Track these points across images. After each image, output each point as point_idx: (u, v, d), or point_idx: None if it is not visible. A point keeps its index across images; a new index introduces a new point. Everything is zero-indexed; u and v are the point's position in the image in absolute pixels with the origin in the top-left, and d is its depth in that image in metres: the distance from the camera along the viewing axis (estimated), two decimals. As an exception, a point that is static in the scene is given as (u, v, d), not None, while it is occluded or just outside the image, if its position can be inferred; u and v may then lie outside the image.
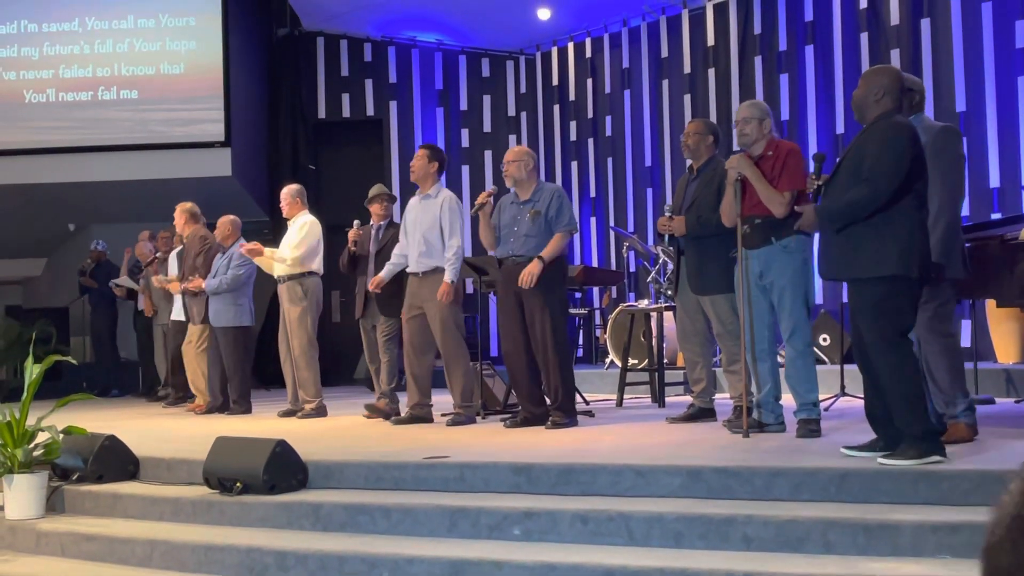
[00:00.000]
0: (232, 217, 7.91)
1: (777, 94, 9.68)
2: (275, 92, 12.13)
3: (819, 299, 9.11)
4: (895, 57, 8.70)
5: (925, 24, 8.70)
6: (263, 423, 6.89)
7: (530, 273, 5.64)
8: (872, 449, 4.02)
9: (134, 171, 11.06)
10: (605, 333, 8.76)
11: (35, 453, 4.95)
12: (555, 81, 11.65)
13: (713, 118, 9.70)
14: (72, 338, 12.26)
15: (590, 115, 11.34)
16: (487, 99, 11.98)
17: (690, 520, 3.64)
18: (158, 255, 9.30)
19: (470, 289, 10.77)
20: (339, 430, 6.27)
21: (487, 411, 6.60)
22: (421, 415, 6.34)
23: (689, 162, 5.86)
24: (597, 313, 10.24)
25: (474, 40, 11.79)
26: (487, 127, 11.96)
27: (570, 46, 11.51)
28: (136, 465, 5.22)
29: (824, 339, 8.38)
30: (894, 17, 8.88)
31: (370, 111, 11.89)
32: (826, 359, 8.26)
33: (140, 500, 4.82)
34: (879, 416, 4.07)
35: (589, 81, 11.34)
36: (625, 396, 7.27)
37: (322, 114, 11.95)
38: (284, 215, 7.56)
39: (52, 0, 11.24)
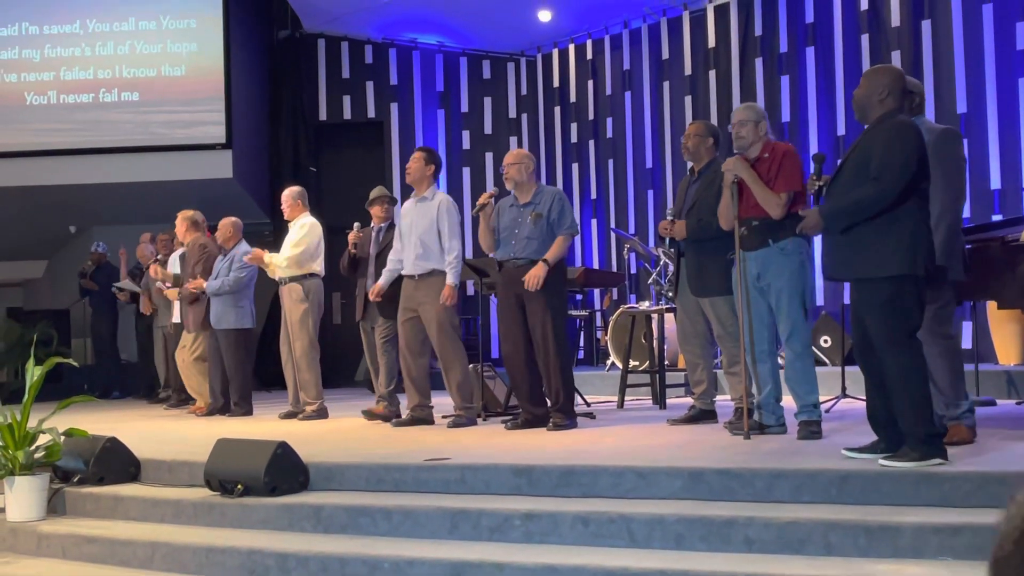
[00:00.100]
0: (233, 219, 7.92)
1: (778, 96, 9.69)
2: (276, 94, 12.14)
3: (820, 300, 9.12)
4: (896, 59, 8.70)
5: (926, 26, 8.70)
6: (264, 425, 6.89)
7: (536, 276, 5.65)
8: (873, 451, 4.02)
9: (135, 173, 11.07)
10: (606, 335, 8.76)
11: (36, 455, 4.96)
12: (556, 83, 11.66)
13: (714, 120, 9.71)
14: (73, 340, 12.27)
15: (591, 117, 11.34)
16: (488, 101, 11.99)
17: (691, 522, 3.64)
18: (159, 257, 9.31)
19: (471, 291, 10.79)
20: (340, 432, 6.28)
21: (488, 413, 6.61)
22: (422, 417, 6.35)
23: (690, 164, 5.86)
24: (598, 315, 10.25)
25: (475, 42, 11.80)
26: (488, 129, 11.97)
27: (571, 48, 11.52)
28: (137, 467, 5.23)
29: (825, 341, 8.38)
30: (895, 19, 8.89)
31: (371, 113, 11.90)
32: (827, 361, 8.26)
33: (141, 502, 4.82)
34: (881, 418, 4.06)
35: (590, 83, 11.35)
36: (626, 398, 7.28)
37: (323, 116, 11.96)
38: (285, 217, 7.57)
39: (53, 2, 11.25)
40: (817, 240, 8.56)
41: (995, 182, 8.27)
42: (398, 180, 11.49)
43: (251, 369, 8.11)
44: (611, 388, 7.96)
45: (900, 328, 3.91)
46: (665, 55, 10.68)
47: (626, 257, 9.81)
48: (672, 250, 5.80)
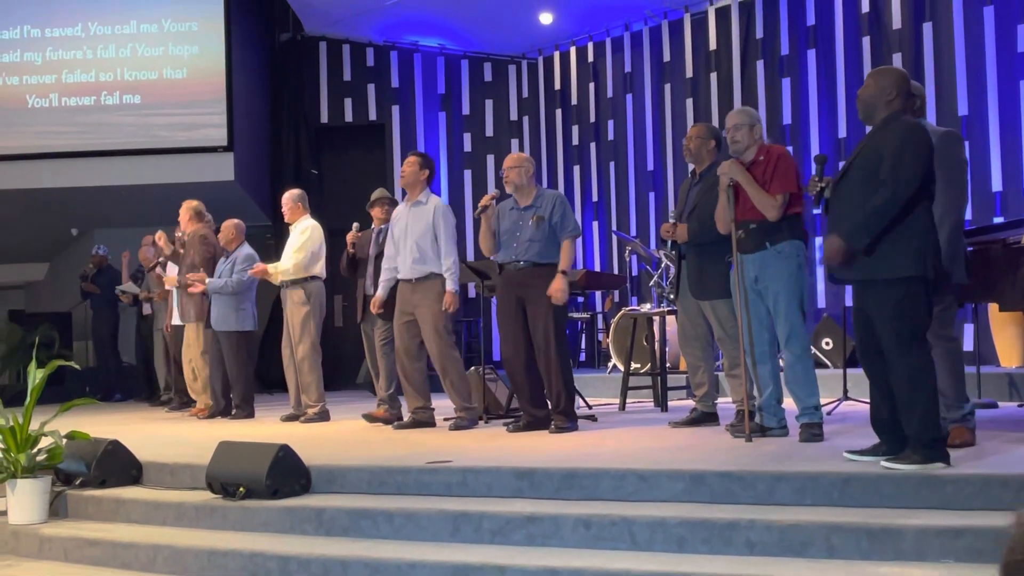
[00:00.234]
0: (236, 221, 7.93)
1: (779, 98, 9.69)
2: (277, 97, 12.14)
3: (821, 303, 9.12)
4: (897, 61, 8.70)
5: (927, 28, 8.70)
6: (266, 427, 6.89)
7: (559, 290, 5.68)
8: (875, 453, 4.02)
9: (137, 176, 11.08)
10: (607, 337, 8.76)
11: (38, 458, 4.97)
12: (557, 85, 11.67)
13: (715, 122, 9.70)
14: (75, 343, 12.27)
15: (592, 119, 11.35)
16: (489, 103, 11.99)
17: (693, 525, 3.64)
18: (160, 259, 9.30)
19: (472, 293, 10.79)
20: (342, 434, 6.28)
21: (489, 415, 6.61)
22: (424, 419, 6.35)
23: (691, 167, 5.87)
24: (599, 317, 10.25)
25: (476, 44, 11.81)
26: (489, 131, 11.98)
27: (572, 50, 11.52)
28: (139, 470, 5.23)
29: (827, 343, 8.37)
30: (896, 21, 8.89)
31: (372, 116, 11.91)
32: (829, 363, 8.25)
33: (143, 505, 4.82)
34: (884, 420, 4.05)
35: (591, 85, 11.36)
36: (628, 400, 7.28)
37: (324, 119, 11.97)
38: (286, 220, 7.58)
39: (55, 5, 11.27)
40: (817, 241, 8.61)
41: (996, 184, 8.27)
42: (399, 182, 11.48)
43: (253, 372, 8.11)
44: (612, 390, 7.97)
45: (909, 330, 3.88)
46: (666, 57, 10.68)
47: (627, 259, 9.81)
48: (673, 252, 5.80)
